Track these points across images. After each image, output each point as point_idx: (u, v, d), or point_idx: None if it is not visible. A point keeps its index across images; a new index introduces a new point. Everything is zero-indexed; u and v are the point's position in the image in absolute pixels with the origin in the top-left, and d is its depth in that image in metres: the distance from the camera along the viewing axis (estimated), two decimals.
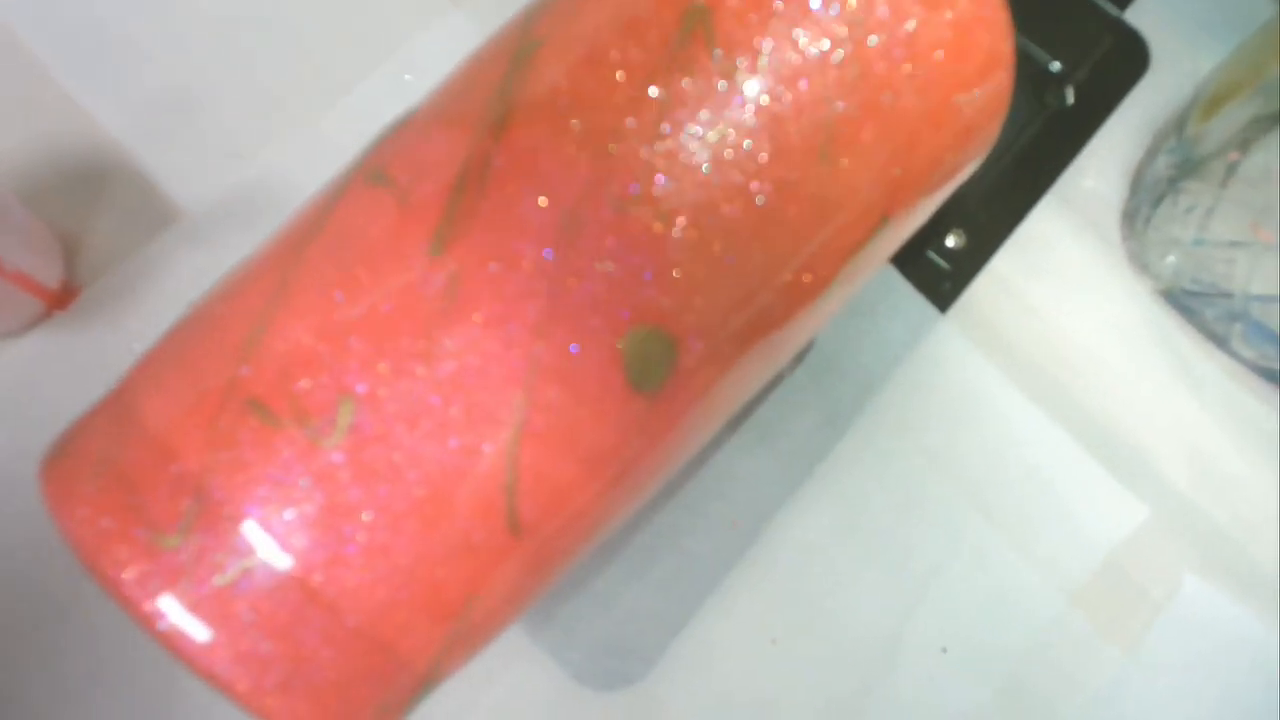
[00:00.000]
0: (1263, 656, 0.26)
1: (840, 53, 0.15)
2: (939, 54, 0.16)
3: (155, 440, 0.14)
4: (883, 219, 0.17)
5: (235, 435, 0.14)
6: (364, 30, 0.29)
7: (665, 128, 0.15)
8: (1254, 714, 0.26)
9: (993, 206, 0.30)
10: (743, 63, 0.15)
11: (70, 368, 0.26)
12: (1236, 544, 0.27)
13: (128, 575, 0.13)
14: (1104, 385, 0.29)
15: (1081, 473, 0.28)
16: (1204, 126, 0.27)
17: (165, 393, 0.15)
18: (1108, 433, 0.28)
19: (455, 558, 0.14)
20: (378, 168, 0.16)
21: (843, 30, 0.15)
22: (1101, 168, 0.31)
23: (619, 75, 0.15)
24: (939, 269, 0.29)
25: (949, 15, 0.16)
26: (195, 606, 0.13)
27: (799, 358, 0.28)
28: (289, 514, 0.14)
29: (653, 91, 0.15)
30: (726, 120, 0.15)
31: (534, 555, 0.15)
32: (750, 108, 0.15)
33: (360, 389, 0.14)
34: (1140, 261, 0.29)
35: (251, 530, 0.13)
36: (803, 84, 0.15)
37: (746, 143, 0.15)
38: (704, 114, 0.15)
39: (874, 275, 0.20)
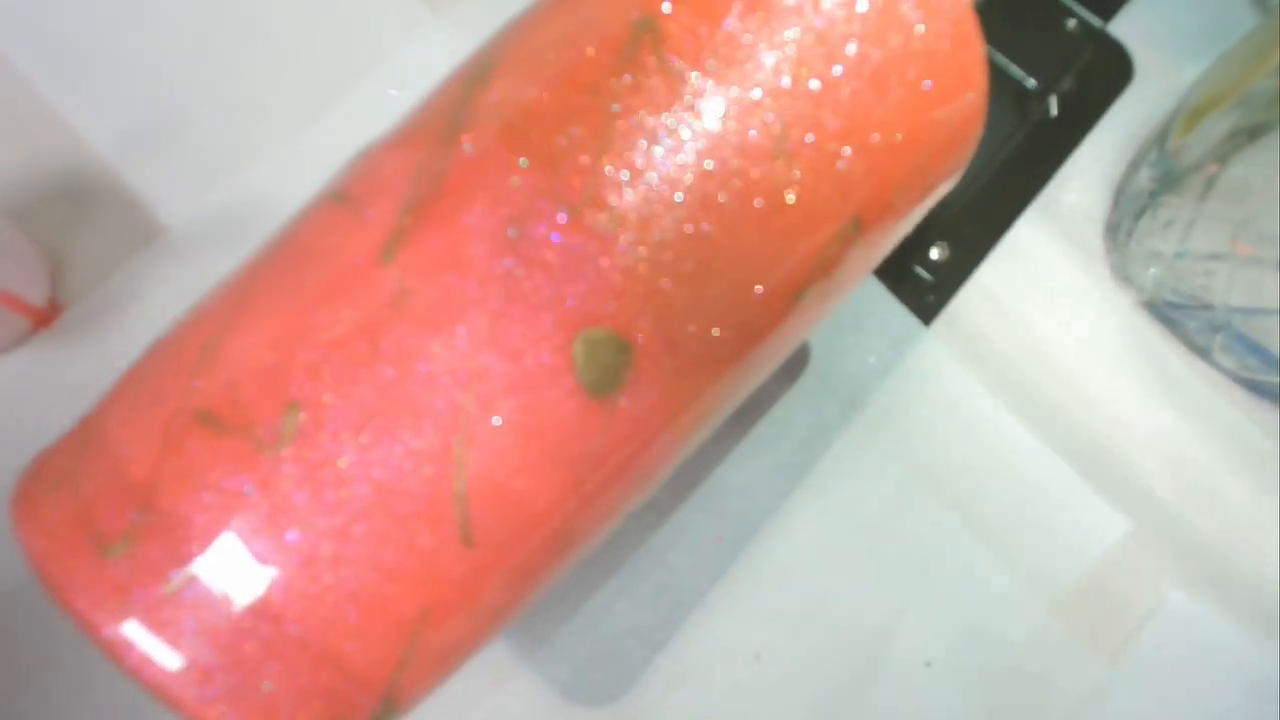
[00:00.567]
0: (1245, 668, 0.26)
1: (804, 70, 0.15)
2: (909, 71, 0.16)
3: (109, 452, 0.14)
4: (855, 229, 0.17)
5: (183, 445, 0.14)
6: (347, 47, 0.29)
7: (613, 138, 0.15)
8: None
9: (976, 219, 0.30)
10: (693, 75, 0.15)
11: (56, 385, 0.26)
12: (1219, 555, 0.27)
13: (72, 584, 0.14)
14: (1087, 397, 0.29)
15: (1064, 485, 0.28)
16: (1184, 140, 0.27)
17: (126, 409, 0.15)
18: (1091, 444, 0.28)
19: (405, 568, 0.14)
20: (339, 188, 0.16)
21: (808, 47, 0.15)
22: (1085, 180, 0.31)
23: (566, 86, 0.15)
24: (923, 281, 0.29)
25: (920, 30, 0.16)
26: (137, 615, 0.13)
27: (791, 376, 0.28)
28: (235, 521, 0.13)
29: (599, 101, 0.15)
30: (673, 132, 0.15)
31: (492, 567, 0.15)
32: (701, 121, 0.15)
33: (306, 396, 0.14)
34: (1123, 274, 0.30)
35: (196, 538, 0.13)
36: (756, 94, 0.15)
37: (698, 156, 0.15)
38: (651, 123, 0.15)
39: (854, 291, 0.20)
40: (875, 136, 0.16)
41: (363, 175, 0.16)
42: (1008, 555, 0.27)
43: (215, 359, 0.15)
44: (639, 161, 0.15)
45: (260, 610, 0.13)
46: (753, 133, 0.15)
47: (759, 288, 0.16)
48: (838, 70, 0.15)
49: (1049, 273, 0.30)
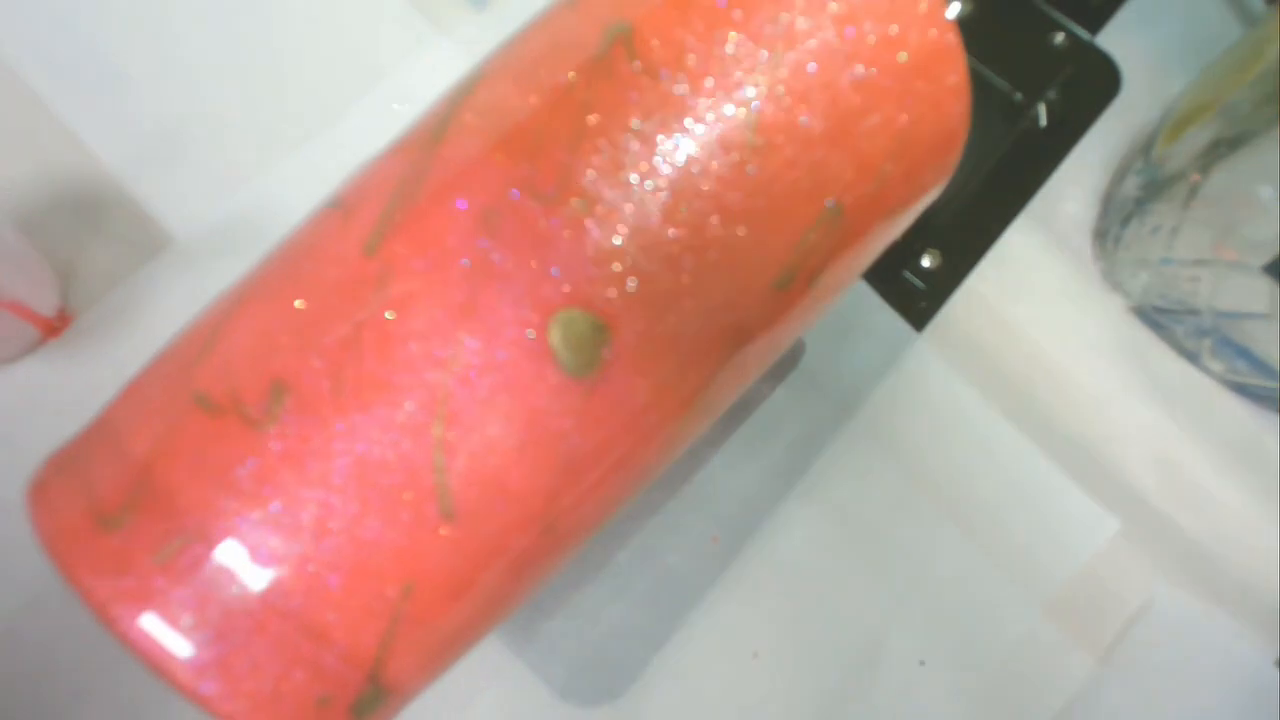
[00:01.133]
0: (1236, 665, 0.27)
1: (781, 70, 0.16)
2: (897, 91, 0.17)
3: (114, 437, 0.15)
4: (836, 214, 0.17)
5: (180, 425, 0.15)
6: (353, 62, 0.30)
7: (587, 134, 0.16)
8: None
9: (968, 227, 0.31)
10: (664, 73, 0.16)
11: (65, 394, 0.26)
12: (1208, 554, 0.28)
13: (71, 557, 0.14)
14: (1078, 401, 0.29)
15: (1056, 487, 0.28)
16: (1169, 148, 0.28)
17: (133, 401, 0.16)
18: (1081, 447, 0.29)
19: (386, 541, 0.15)
20: (336, 196, 0.17)
21: (786, 48, 0.16)
22: (1075, 188, 0.32)
23: (545, 89, 0.16)
24: (915, 289, 0.30)
25: (895, 30, 0.17)
26: (128, 584, 0.14)
27: (780, 376, 0.29)
28: (222, 495, 0.14)
29: (574, 99, 0.16)
30: (648, 127, 0.16)
31: (475, 545, 0.15)
32: (676, 118, 0.16)
33: (292, 377, 0.15)
34: (1112, 280, 0.30)
35: (187, 511, 0.14)
36: (732, 91, 0.16)
37: (674, 148, 0.16)
38: (627, 119, 0.16)
39: (844, 289, 0.20)
40: (853, 132, 0.16)
41: (356, 182, 0.17)
42: (1000, 555, 0.27)
43: (214, 348, 0.16)
44: (613, 153, 0.16)
45: (244, 579, 0.14)
46: (728, 128, 0.16)
47: (737, 273, 0.16)
48: (812, 67, 0.16)
49: (1040, 279, 0.30)
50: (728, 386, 0.18)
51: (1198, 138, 0.26)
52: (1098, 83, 0.32)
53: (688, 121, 0.16)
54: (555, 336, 0.15)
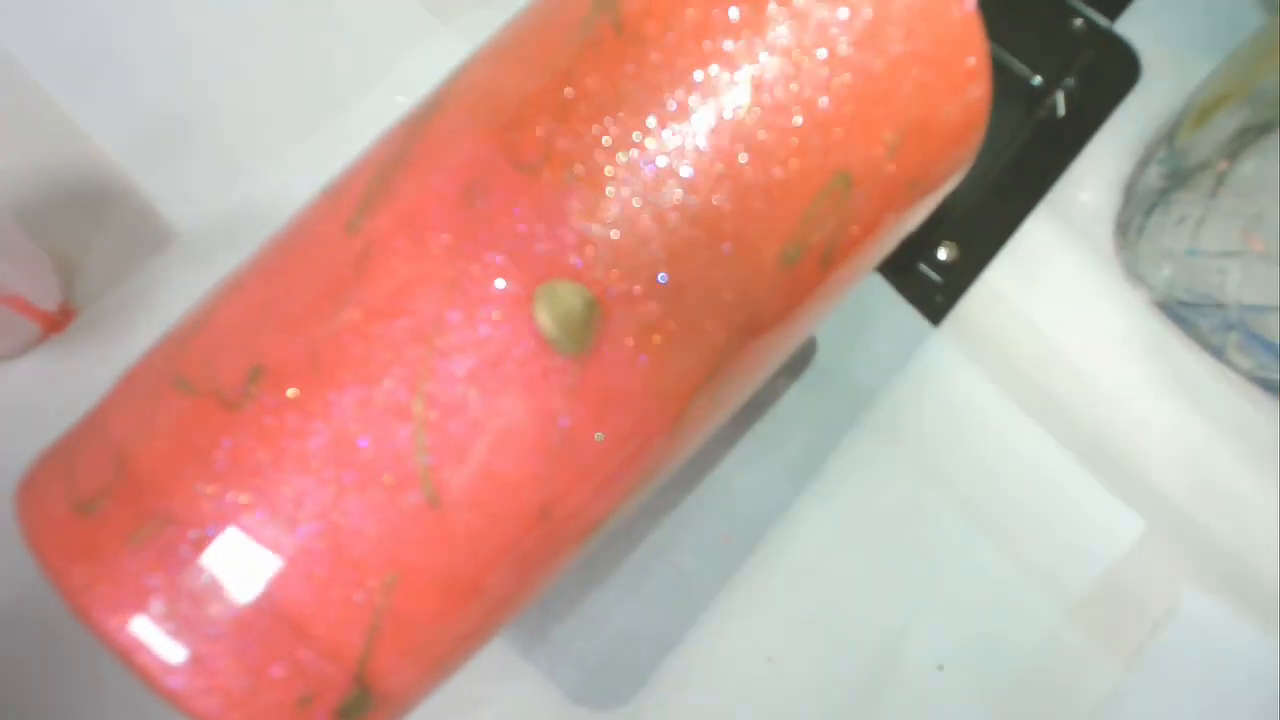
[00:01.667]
0: (1262, 669, 0.26)
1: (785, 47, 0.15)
2: (913, 68, 0.16)
3: (98, 425, 0.15)
4: (843, 184, 0.16)
5: (157, 405, 0.15)
6: (356, 54, 0.29)
7: (573, 106, 0.15)
8: None
9: (984, 218, 0.30)
10: (654, 53, 0.15)
11: (67, 389, 0.26)
12: (1235, 556, 0.27)
13: (46, 543, 0.14)
14: (1099, 397, 0.28)
15: (1078, 486, 0.27)
16: (1193, 136, 0.27)
17: (120, 394, 0.16)
18: (1104, 445, 0.28)
19: (368, 528, 0.14)
20: (329, 184, 0.17)
21: (795, 36, 0.15)
22: (1094, 179, 0.31)
23: (529, 64, 0.16)
24: (931, 282, 0.29)
25: (917, 16, 0.16)
26: (96, 567, 0.14)
27: (794, 373, 0.28)
28: (198, 478, 0.14)
29: (559, 73, 0.15)
30: (637, 97, 0.15)
31: (463, 534, 0.14)
32: (661, 95, 0.15)
33: (270, 357, 0.14)
34: (1135, 273, 0.29)
35: (160, 494, 0.14)
36: (719, 71, 0.15)
37: (667, 120, 0.15)
38: (612, 92, 0.15)
39: (855, 284, 0.20)
40: (865, 105, 0.16)
41: (348, 169, 0.17)
42: (1021, 557, 0.27)
43: (198, 333, 0.15)
44: (600, 124, 0.15)
45: (218, 566, 0.13)
46: (725, 97, 0.15)
47: (739, 242, 0.15)
48: (822, 53, 0.15)
49: (1059, 272, 0.30)
50: (738, 374, 0.17)
51: (1224, 125, 0.26)
52: (1116, 70, 0.32)
53: (680, 91, 0.15)
54: (541, 311, 0.14)
